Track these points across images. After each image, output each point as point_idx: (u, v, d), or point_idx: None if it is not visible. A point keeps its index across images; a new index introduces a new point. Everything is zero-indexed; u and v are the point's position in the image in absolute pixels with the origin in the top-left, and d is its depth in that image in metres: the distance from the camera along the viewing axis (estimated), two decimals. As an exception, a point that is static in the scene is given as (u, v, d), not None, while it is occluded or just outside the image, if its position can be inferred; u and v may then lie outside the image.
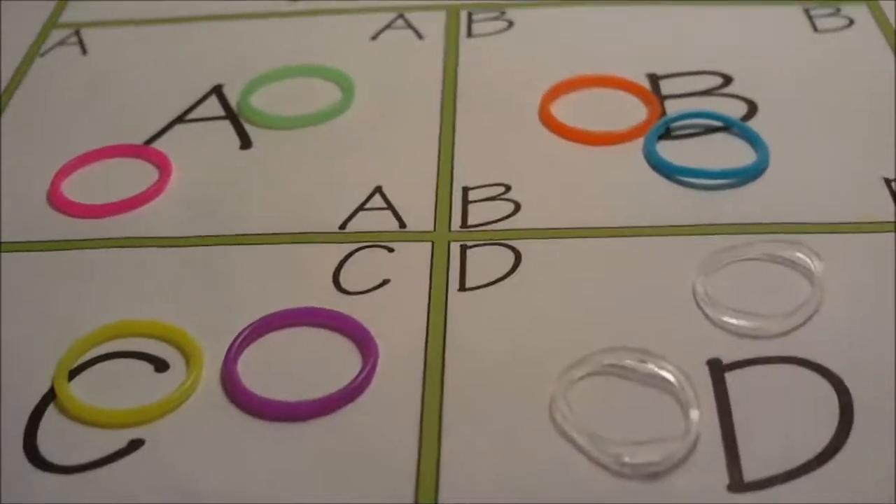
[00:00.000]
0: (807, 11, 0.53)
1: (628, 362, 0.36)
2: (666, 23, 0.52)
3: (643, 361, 0.35)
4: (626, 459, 0.33)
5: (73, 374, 0.37)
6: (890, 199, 0.42)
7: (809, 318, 0.37)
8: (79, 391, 0.36)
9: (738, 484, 0.32)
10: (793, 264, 0.39)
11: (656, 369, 0.35)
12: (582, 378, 0.36)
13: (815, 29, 0.51)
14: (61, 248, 0.42)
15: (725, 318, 0.37)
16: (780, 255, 0.39)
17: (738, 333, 0.37)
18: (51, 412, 0.36)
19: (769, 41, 0.51)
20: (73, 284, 0.40)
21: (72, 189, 0.45)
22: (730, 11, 0.53)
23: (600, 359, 0.36)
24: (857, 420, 0.34)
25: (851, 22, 0.52)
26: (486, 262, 0.40)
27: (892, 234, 0.40)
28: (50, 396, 0.36)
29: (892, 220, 0.41)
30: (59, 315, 0.39)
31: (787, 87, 0.48)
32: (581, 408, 0.34)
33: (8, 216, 0.43)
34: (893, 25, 0.51)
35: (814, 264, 0.38)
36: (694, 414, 0.34)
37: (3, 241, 0.42)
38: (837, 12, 0.52)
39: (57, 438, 0.35)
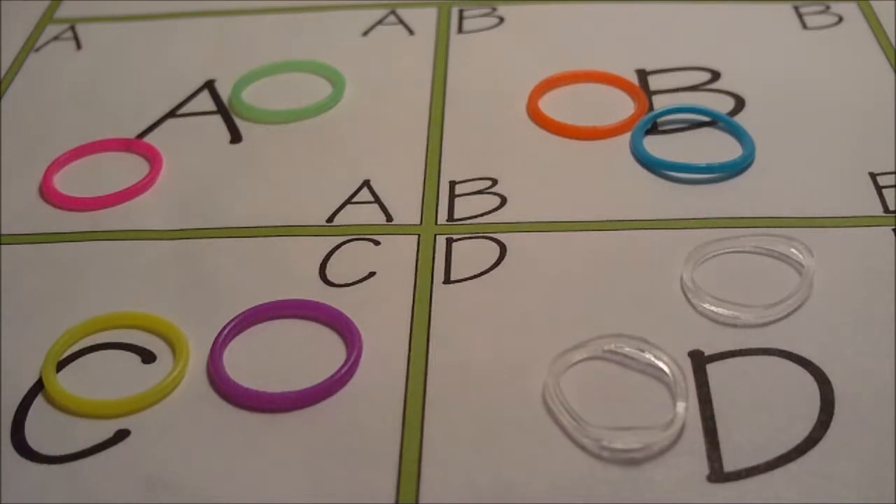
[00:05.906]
0: (796, 9, 0.53)
1: (628, 350, 0.36)
2: (655, 19, 0.53)
3: (641, 350, 0.36)
4: (605, 443, 0.33)
5: (62, 364, 0.37)
6: (876, 194, 0.42)
7: (793, 311, 0.37)
8: (66, 382, 0.36)
9: (718, 474, 0.32)
10: (785, 258, 0.39)
11: (653, 359, 0.35)
12: (579, 362, 0.36)
13: (805, 26, 0.52)
14: (52, 240, 0.42)
15: (706, 306, 0.37)
16: (771, 248, 0.39)
17: (718, 321, 0.37)
18: (39, 402, 0.36)
19: (758, 37, 0.51)
20: (64, 276, 0.41)
21: (64, 182, 0.45)
22: (720, 7, 0.53)
23: (600, 344, 0.36)
24: (838, 412, 0.34)
25: (841, 19, 0.52)
26: (471, 255, 0.40)
27: (878, 228, 0.40)
28: (38, 387, 0.36)
29: (878, 214, 0.41)
30: (49, 306, 0.39)
31: (774, 82, 0.48)
32: (573, 391, 0.35)
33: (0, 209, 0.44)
34: (882, 23, 0.51)
35: (805, 259, 0.39)
36: (680, 406, 0.34)
37: (-5, 233, 0.43)
38: (827, 10, 0.53)
39: (44, 429, 0.35)
